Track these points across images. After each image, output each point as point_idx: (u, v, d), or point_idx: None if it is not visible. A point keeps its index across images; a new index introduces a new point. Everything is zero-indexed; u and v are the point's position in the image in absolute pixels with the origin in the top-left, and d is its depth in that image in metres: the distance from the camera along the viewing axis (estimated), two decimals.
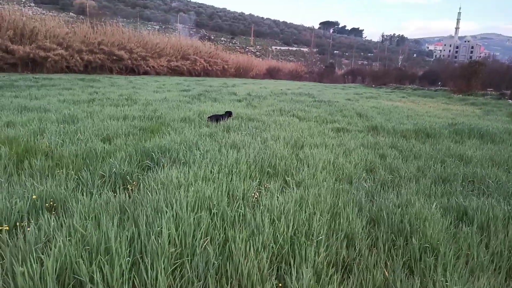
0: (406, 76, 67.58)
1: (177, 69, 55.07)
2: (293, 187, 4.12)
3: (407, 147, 7.09)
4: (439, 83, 59.67)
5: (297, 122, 10.06)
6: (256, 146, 5.99)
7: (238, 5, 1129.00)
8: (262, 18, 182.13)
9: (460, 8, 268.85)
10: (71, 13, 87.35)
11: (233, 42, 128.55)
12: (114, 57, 43.18)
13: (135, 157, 4.92)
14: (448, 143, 7.78)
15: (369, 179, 4.90)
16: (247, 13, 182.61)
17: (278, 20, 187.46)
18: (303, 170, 4.80)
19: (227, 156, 4.95)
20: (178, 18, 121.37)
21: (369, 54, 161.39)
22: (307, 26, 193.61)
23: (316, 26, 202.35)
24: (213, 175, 4.19)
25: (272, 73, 79.12)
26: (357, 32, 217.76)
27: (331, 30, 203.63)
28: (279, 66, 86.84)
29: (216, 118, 8.87)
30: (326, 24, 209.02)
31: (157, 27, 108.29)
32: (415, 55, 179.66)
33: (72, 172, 4.24)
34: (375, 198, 4.09)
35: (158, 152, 5.10)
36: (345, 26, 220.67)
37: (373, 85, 60.93)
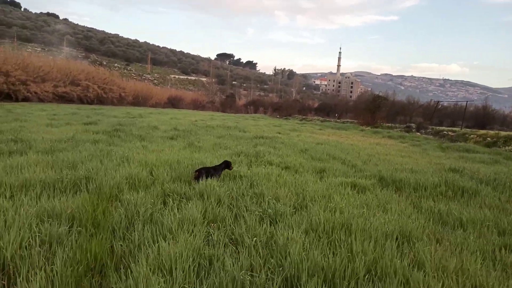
0: (305, 108, 71.55)
1: (65, 95, 47.56)
2: None
3: (484, 219, 4.99)
4: (336, 115, 64.07)
5: (287, 174, 7.37)
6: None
7: (132, 32, 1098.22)
8: (159, 46, 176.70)
9: (340, 48, 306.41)
10: None
11: (128, 69, 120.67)
12: None
13: None
14: (503, 205, 5.99)
15: None
16: (141, 40, 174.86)
17: (175, 50, 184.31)
18: None
19: None
20: (65, 41, 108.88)
21: (265, 86, 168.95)
22: (204, 57, 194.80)
23: (213, 57, 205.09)
24: None
25: (173, 102, 75.19)
26: (251, 65, 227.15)
27: (228, 62, 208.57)
28: (181, 95, 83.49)
29: (206, 172, 5.79)
30: (222, 56, 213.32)
31: (39, 49, 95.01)
32: (304, 88, 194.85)
33: None
34: None
35: None
36: (240, 59, 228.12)
37: (278, 116, 61.91)
